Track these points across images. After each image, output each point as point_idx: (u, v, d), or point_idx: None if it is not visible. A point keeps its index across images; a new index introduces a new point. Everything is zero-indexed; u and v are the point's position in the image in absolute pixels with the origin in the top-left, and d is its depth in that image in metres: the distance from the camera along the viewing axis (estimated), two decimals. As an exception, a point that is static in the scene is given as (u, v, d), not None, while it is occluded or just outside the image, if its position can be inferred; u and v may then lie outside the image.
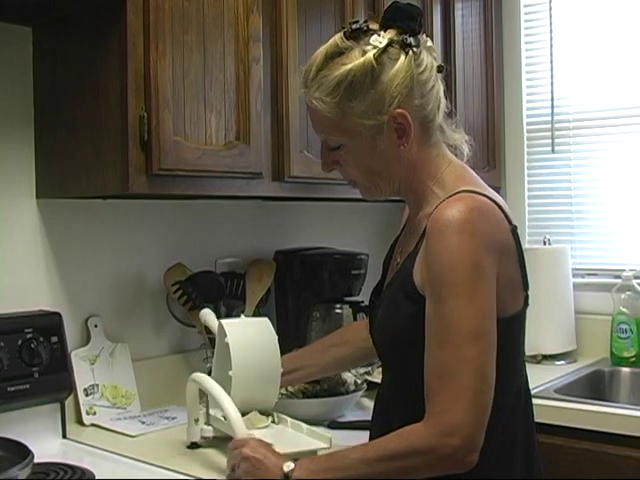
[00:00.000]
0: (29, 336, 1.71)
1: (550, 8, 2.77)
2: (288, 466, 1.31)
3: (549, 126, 2.78)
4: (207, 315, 1.82)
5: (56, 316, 1.79)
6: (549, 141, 2.78)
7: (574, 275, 2.63)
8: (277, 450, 1.40)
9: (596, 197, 2.72)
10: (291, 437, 1.48)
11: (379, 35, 1.33)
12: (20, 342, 1.69)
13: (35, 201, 1.85)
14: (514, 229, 1.34)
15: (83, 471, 1.51)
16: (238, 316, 2.08)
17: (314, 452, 1.49)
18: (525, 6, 2.85)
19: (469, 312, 1.23)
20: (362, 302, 2.29)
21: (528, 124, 2.86)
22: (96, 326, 1.96)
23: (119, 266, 2.03)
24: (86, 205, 1.93)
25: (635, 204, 2.61)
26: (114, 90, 1.61)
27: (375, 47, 1.32)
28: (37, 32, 1.83)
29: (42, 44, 1.82)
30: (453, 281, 1.23)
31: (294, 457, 1.36)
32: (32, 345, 1.70)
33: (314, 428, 1.59)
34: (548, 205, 2.81)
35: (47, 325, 1.76)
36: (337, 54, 1.34)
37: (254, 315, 2.11)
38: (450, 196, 1.31)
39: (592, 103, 2.70)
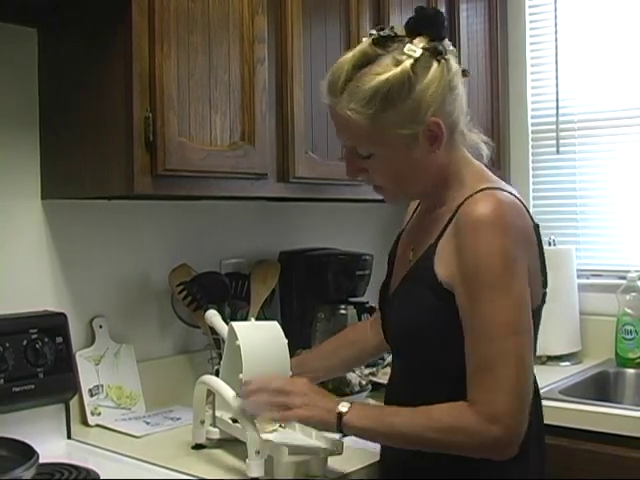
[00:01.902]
0: (34, 337, 1.71)
1: (555, 9, 2.77)
2: (344, 406, 1.34)
3: (554, 127, 2.78)
4: (213, 316, 1.81)
5: (61, 317, 1.80)
6: (554, 142, 2.78)
7: (579, 276, 2.63)
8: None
9: (601, 198, 2.71)
10: (304, 438, 1.49)
11: (412, 43, 1.30)
12: (25, 342, 1.70)
13: (40, 202, 1.85)
14: (537, 227, 1.37)
15: (88, 471, 1.51)
16: (243, 317, 2.09)
17: (327, 451, 1.50)
18: (530, 7, 2.85)
19: (505, 305, 1.24)
20: (367, 303, 2.29)
21: (533, 125, 2.86)
22: (101, 327, 1.96)
23: (124, 267, 2.03)
24: (91, 206, 1.93)
25: (640, 205, 2.61)
26: (119, 91, 1.61)
27: (410, 56, 1.29)
28: (42, 33, 1.83)
29: (47, 45, 1.82)
30: (488, 276, 1.25)
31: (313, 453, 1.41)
32: (37, 346, 1.71)
33: (324, 432, 1.59)
34: (553, 206, 2.81)
35: (52, 326, 1.76)
36: (366, 62, 1.31)
37: (258, 316, 2.10)
38: (475, 192, 1.31)
39: (597, 104, 2.70)
